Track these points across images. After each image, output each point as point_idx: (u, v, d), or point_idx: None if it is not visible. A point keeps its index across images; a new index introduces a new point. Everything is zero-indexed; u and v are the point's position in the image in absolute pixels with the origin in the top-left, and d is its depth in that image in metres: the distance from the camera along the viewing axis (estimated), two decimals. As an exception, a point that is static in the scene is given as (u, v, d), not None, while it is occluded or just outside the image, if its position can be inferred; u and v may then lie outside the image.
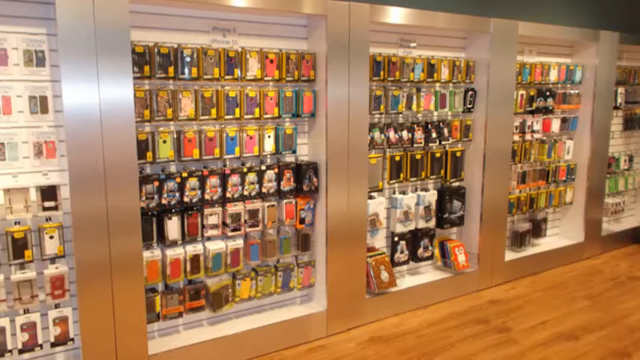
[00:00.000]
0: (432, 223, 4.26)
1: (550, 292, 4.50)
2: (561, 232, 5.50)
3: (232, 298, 3.39)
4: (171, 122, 3.10)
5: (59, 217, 2.79)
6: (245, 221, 3.33)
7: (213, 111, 3.16)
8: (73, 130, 2.60)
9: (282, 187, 3.45)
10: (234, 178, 3.25)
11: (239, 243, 3.34)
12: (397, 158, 4.00)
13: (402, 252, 4.16)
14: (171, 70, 3.00)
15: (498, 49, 4.27)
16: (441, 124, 4.17)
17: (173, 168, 3.17)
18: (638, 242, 5.93)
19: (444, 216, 4.30)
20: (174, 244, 3.14)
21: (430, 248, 4.30)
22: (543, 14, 4.86)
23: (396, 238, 4.11)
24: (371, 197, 3.84)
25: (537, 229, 5.15)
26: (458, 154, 4.31)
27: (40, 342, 2.76)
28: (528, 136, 4.83)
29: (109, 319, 2.81)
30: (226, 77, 3.19)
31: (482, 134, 4.32)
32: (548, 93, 4.87)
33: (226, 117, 3.20)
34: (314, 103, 3.50)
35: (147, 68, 2.92)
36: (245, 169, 3.29)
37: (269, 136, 3.37)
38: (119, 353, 2.87)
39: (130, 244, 2.82)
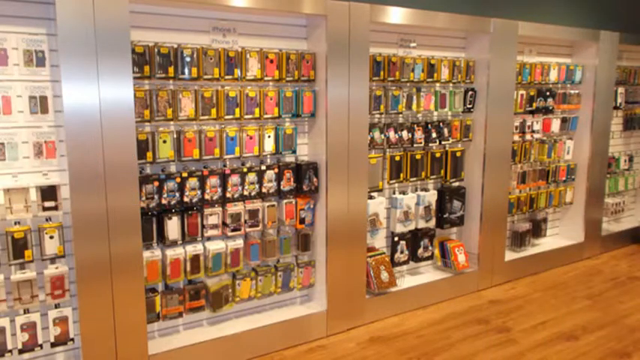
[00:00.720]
0: (432, 223, 4.26)
1: (550, 292, 4.50)
2: (561, 232, 5.50)
3: (232, 298, 3.39)
4: (171, 122, 3.10)
5: (59, 217, 2.79)
6: (245, 221, 3.33)
7: (213, 111, 3.16)
8: (73, 130, 2.60)
9: (282, 187, 3.45)
10: (234, 178, 3.25)
11: (239, 243, 3.34)
12: (397, 158, 4.00)
13: (402, 252, 4.16)
14: (171, 70, 3.00)
15: (498, 49, 4.27)
16: (441, 124, 4.17)
17: (173, 168, 3.17)
18: (638, 242, 5.93)
19: (444, 216, 4.30)
20: (174, 244, 3.14)
21: (430, 248, 4.30)
22: (543, 14, 4.86)
23: (396, 238, 4.11)
24: (371, 197, 3.84)
25: (537, 229, 5.15)
26: (458, 154, 4.31)
27: (40, 342, 2.76)
28: (528, 136, 4.83)
29: (109, 319, 2.81)
30: (226, 77, 3.19)
31: (482, 134, 4.32)
32: (548, 93, 4.87)
33: (226, 117, 3.20)
34: (314, 103, 3.50)
35: (147, 68, 2.92)
36: (245, 169, 3.29)
37: (269, 136, 3.37)
38: (119, 353, 2.87)
39: (130, 244, 2.82)
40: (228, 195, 3.24)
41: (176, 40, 3.08)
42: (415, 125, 4.03)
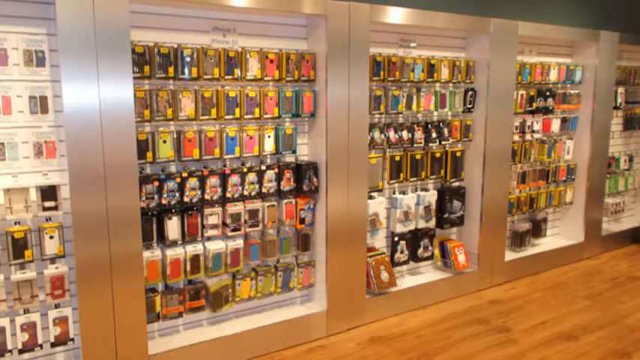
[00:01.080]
0: (432, 223, 4.26)
1: (550, 292, 4.50)
2: (561, 232, 5.50)
3: (232, 298, 3.39)
4: (171, 122, 3.10)
5: (59, 217, 2.79)
6: (245, 221, 3.33)
7: (213, 111, 3.16)
8: (73, 130, 2.60)
9: (282, 187, 3.45)
10: (234, 178, 3.25)
11: (239, 243, 3.34)
12: (397, 158, 4.00)
13: (402, 252, 4.16)
14: (171, 70, 3.00)
15: (498, 49, 4.27)
16: (441, 124, 4.17)
17: (173, 168, 3.17)
18: (638, 242, 5.93)
19: (444, 216, 4.30)
20: (174, 244, 3.14)
21: (430, 248, 4.30)
22: (543, 14, 4.86)
23: (396, 238, 4.11)
24: (371, 197, 3.84)
25: (537, 229, 5.15)
26: (458, 154, 4.31)
27: (40, 342, 2.76)
28: (528, 136, 4.83)
29: (109, 319, 2.81)
30: (226, 77, 3.19)
31: (482, 134, 4.32)
32: (548, 93, 4.87)
33: (226, 117, 3.20)
34: (314, 103, 3.50)
35: (147, 68, 2.92)
36: (245, 169, 3.29)
37: (269, 136, 3.37)
38: (119, 353, 2.87)
39: (130, 244, 2.82)
40: (228, 195, 3.24)
41: (176, 40, 3.08)
42: (415, 125, 4.03)
